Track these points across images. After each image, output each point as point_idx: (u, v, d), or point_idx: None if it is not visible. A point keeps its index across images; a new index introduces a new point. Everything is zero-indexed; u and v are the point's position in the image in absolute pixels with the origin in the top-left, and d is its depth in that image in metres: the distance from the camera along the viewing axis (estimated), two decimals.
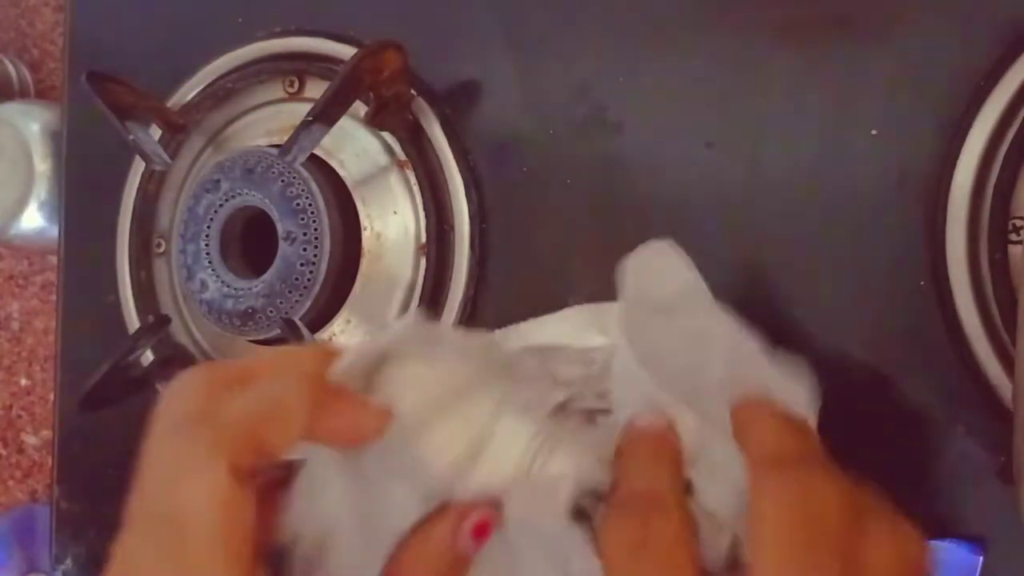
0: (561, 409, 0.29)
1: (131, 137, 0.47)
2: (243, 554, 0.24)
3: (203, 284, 0.45)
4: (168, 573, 0.25)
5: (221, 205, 0.44)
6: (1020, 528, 0.31)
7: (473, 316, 0.43)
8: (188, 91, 0.50)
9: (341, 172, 0.45)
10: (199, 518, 0.25)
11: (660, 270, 0.31)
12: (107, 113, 0.46)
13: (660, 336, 0.29)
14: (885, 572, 0.24)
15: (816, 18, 0.37)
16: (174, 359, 0.50)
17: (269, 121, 0.48)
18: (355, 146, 0.46)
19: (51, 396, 0.61)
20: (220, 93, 0.49)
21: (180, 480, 0.26)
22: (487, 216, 0.43)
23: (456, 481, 0.27)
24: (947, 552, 0.35)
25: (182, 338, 0.51)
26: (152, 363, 0.49)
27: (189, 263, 0.45)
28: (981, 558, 0.34)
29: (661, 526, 0.25)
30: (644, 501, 0.26)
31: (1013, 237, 0.34)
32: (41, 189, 0.61)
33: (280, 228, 0.43)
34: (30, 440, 0.74)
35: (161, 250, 0.51)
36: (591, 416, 0.30)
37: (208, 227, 0.45)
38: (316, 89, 0.47)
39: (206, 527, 0.24)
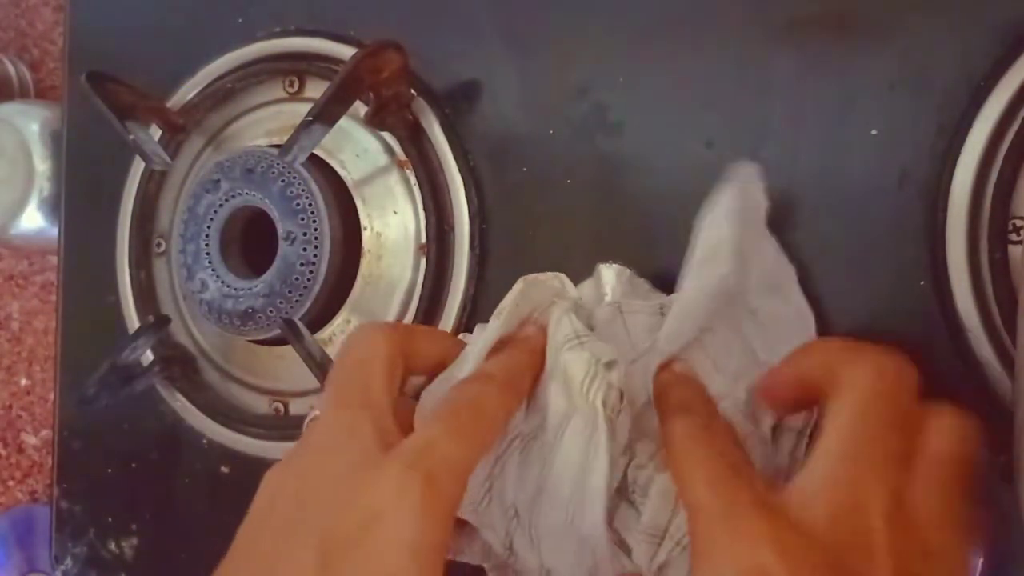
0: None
1: (131, 137, 0.47)
2: None
3: (203, 284, 0.45)
4: None
5: (221, 205, 0.44)
6: (1020, 528, 0.31)
7: (473, 316, 0.43)
8: (188, 91, 0.50)
9: (341, 172, 0.45)
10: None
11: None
12: (107, 113, 0.46)
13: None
14: (938, 453, 0.28)
15: (816, 18, 0.37)
16: (174, 359, 0.50)
17: (269, 121, 0.48)
18: (355, 146, 0.46)
19: (51, 396, 0.61)
20: (220, 93, 0.49)
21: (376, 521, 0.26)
22: (487, 216, 0.43)
23: None
24: None
25: (182, 338, 0.51)
26: (152, 363, 0.49)
27: (189, 263, 0.45)
28: (981, 559, 0.34)
29: (718, 422, 0.30)
30: (700, 404, 0.31)
31: (1013, 237, 0.34)
32: (41, 189, 0.61)
33: (280, 228, 0.43)
34: (30, 440, 0.74)
35: (161, 250, 0.51)
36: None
37: (208, 227, 0.45)
38: (316, 89, 0.47)
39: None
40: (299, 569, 0.26)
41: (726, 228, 0.33)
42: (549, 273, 0.36)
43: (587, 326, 0.34)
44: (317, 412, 0.33)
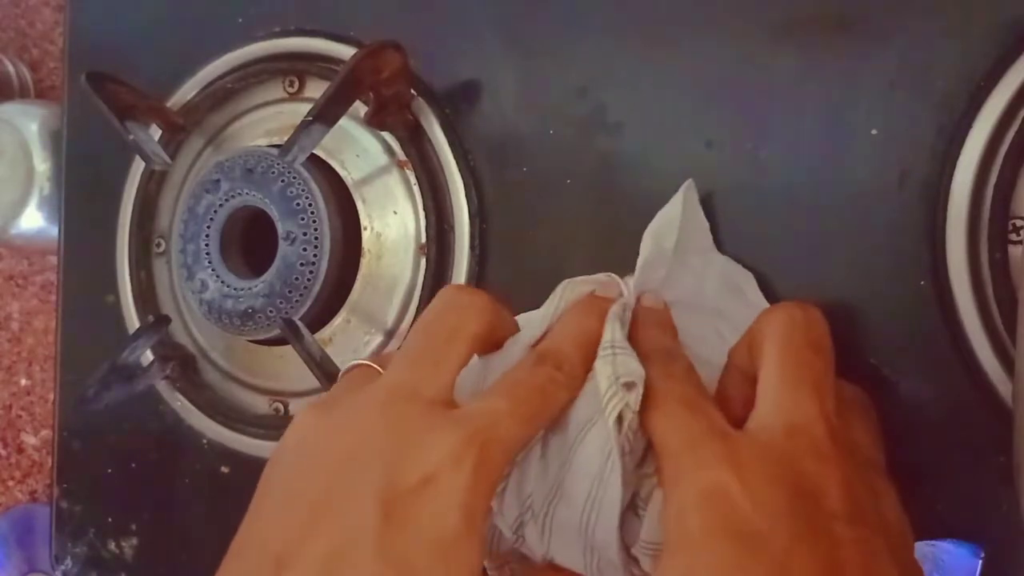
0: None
1: (131, 137, 0.47)
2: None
3: (203, 284, 0.45)
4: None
5: (221, 205, 0.44)
6: (1020, 528, 0.31)
7: None
8: (188, 91, 0.50)
9: (341, 172, 0.45)
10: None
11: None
12: (107, 113, 0.46)
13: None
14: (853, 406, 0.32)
15: (816, 18, 0.37)
16: (174, 359, 0.50)
17: (269, 121, 0.48)
18: (355, 146, 0.46)
19: (51, 396, 0.61)
20: (220, 93, 0.49)
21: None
22: (487, 216, 0.43)
23: None
24: (947, 554, 0.35)
25: (182, 338, 0.51)
26: (152, 363, 0.49)
27: (189, 263, 0.45)
28: (980, 561, 0.34)
29: (677, 366, 0.32)
30: (662, 353, 0.32)
31: (1013, 237, 0.34)
32: (41, 189, 0.61)
33: (280, 228, 0.43)
34: (30, 440, 0.74)
35: (161, 250, 0.51)
36: None
37: (208, 227, 0.45)
38: (316, 89, 0.47)
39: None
40: (361, 518, 0.26)
41: (650, 245, 0.35)
42: (601, 274, 0.36)
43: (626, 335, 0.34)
44: (358, 361, 0.33)
